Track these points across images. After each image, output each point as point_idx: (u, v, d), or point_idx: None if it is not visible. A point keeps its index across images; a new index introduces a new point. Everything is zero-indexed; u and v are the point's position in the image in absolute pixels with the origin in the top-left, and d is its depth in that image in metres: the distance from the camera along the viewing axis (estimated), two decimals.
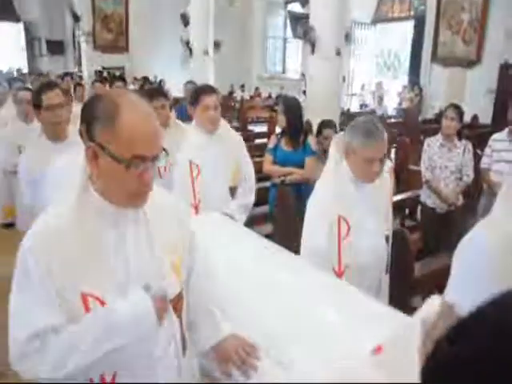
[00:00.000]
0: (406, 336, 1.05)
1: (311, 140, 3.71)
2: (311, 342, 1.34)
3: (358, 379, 1.12)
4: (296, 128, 3.66)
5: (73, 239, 1.10)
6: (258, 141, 7.25)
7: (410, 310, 2.20)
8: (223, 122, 2.90)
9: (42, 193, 2.11)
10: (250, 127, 9.31)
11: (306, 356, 1.30)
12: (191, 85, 5.86)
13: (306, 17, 8.45)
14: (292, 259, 1.92)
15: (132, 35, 15.00)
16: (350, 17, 11.07)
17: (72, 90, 7.51)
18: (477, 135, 6.75)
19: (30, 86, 5.99)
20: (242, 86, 16.89)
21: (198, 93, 2.79)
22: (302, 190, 3.63)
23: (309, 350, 1.31)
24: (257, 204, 3.03)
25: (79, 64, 16.80)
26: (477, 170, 4.07)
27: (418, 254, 2.97)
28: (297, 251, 2.08)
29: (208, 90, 2.81)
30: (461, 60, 10.78)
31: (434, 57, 11.42)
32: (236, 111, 11.19)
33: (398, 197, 4.17)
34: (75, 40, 18.27)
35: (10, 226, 4.13)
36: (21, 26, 19.96)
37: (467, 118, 7.23)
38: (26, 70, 19.14)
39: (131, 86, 10.43)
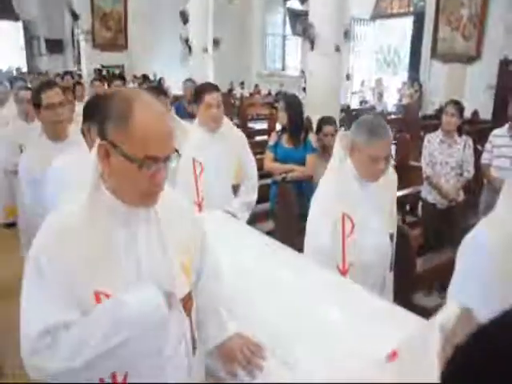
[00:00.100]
0: (424, 340, 1.05)
1: (312, 137, 3.71)
2: (316, 341, 1.34)
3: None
4: (297, 125, 3.67)
5: (85, 238, 1.10)
6: (258, 138, 7.25)
7: (412, 306, 2.22)
8: (226, 120, 2.90)
9: (42, 192, 2.11)
10: (250, 124, 9.30)
11: (311, 355, 1.30)
12: (190, 82, 5.86)
13: (305, 14, 8.43)
14: (295, 258, 1.92)
15: (131, 33, 14.98)
16: (349, 13, 11.06)
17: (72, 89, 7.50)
18: (477, 131, 6.75)
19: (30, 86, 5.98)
20: (242, 84, 16.88)
21: (201, 91, 2.79)
22: (303, 187, 3.64)
23: (314, 350, 1.31)
24: (258, 201, 3.04)
25: (78, 62, 16.78)
26: (477, 165, 4.07)
27: (418, 249, 2.97)
28: (299, 248, 2.08)
29: (210, 88, 2.81)
30: (460, 56, 10.76)
31: (434, 53, 11.41)
32: (236, 108, 11.17)
33: (399, 193, 4.17)
34: (74, 38, 18.25)
35: (11, 225, 4.14)
36: (20, 24, 19.94)
37: (467, 114, 7.22)
38: (25, 69, 19.13)
39: (131, 85, 10.41)
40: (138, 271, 1.16)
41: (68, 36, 20.03)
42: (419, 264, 2.84)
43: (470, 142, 3.93)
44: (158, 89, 3.79)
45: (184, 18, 13.50)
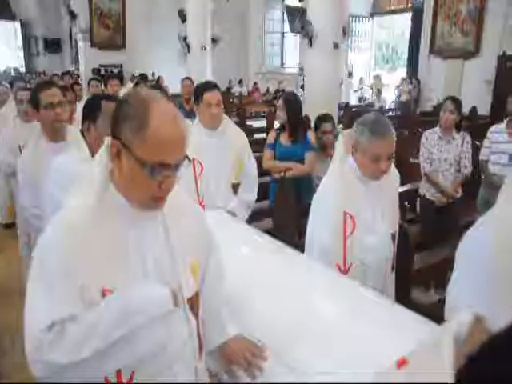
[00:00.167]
0: (437, 349, 1.03)
1: (311, 135, 3.71)
2: (317, 342, 1.33)
3: None
4: (296, 123, 3.67)
5: (92, 236, 1.10)
6: (256, 136, 7.26)
7: (409, 302, 2.23)
8: (226, 119, 2.91)
9: (41, 193, 2.12)
10: (249, 122, 9.30)
11: (312, 357, 1.29)
12: (188, 81, 5.86)
13: (303, 11, 8.41)
14: (296, 257, 1.90)
15: (129, 32, 14.92)
16: (347, 10, 11.01)
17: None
18: (475, 127, 6.75)
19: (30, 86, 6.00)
20: (240, 82, 16.87)
21: (201, 90, 2.79)
22: (302, 184, 3.64)
23: (315, 351, 1.30)
24: (257, 199, 3.04)
25: (76, 62, 16.74)
26: (475, 161, 4.07)
27: (417, 246, 2.98)
28: (298, 246, 2.09)
29: (210, 86, 2.81)
30: (459, 51, 10.76)
31: (432, 49, 11.40)
32: (234, 106, 11.17)
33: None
34: (72, 38, 18.20)
35: (10, 225, 4.16)
36: (17, 24, 19.90)
37: (465, 110, 7.22)
38: (23, 69, 19.11)
39: (129, 84, 10.39)
40: (146, 271, 1.16)
41: (66, 35, 19.98)
42: (417, 261, 2.85)
43: (468, 138, 3.94)
44: (156, 87, 3.79)
45: (182, 16, 13.47)
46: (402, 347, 1.22)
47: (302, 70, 13.09)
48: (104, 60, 14.45)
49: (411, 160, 5.06)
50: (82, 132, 2.08)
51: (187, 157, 1.15)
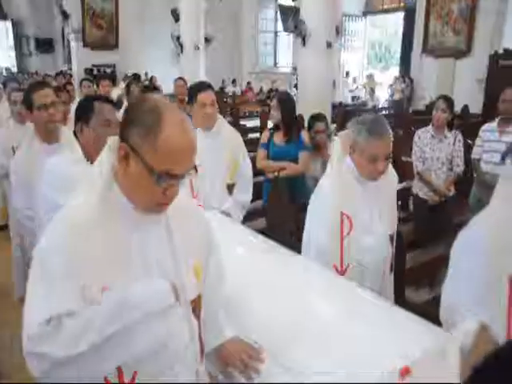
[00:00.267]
0: (442, 359, 1.02)
1: (304, 134, 3.72)
2: (314, 343, 1.33)
3: None
4: (290, 122, 3.67)
5: (96, 236, 1.10)
6: (250, 135, 7.26)
7: (402, 301, 2.24)
8: (221, 119, 2.90)
9: (34, 194, 2.11)
10: (243, 122, 9.31)
11: (309, 358, 1.29)
12: (181, 81, 5.85)
13: (296, 10, 8.41)
14: (292, 258, 1.89)
15: (122, 32, 14.86)
16: (340, 9, 11.04)
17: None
18: (467, 125, 6.79)
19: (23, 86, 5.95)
20: (234, 81, 16.86)
21: (195, 90, 2.78)
22: (296, 184, 3.65)
23: (312, 352, 1.30)
24: (251, 199, 3.05)
25: (69, 62, 16.66)
26: (468, 160, 4.10)
27: (410, 245, 3.00)
28: (291, 245, 2.09)
29: (204, 86, 2.80)
30: (451, 50, 10.82)
31: (425, 48, 11.46)
32: (228, 106, 11.17)
33: None
34: (64, 38, 18.11)
35: (6, 227, 4.14)
36: (9, 23, 19.78)
37: (457, 108, 7.26)
38: (14, 69, 18.99)
39: (122, 84, 10.36)
40: (148, 273, 1.16)
41: (58, 35, 19.89)
42: (409, 259, 2.86)
43: (460, 136, 3.96)
44: (152, 88, 3.77)
45: (175, 16, 13.44)
46: (399, 348, 1.23)
47: (295, 69, 13.12)
48: (97, 60, 14.39)
49: (404, 158, 5.08)
50: (74, 133, 2.07)
51: (195, 167, 1.14)
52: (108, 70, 14.49)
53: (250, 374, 1.31)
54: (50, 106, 2.55)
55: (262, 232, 2.52)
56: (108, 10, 14.65)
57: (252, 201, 3.12)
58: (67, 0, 14.26)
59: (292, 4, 11.16)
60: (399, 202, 4.70)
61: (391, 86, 13.15)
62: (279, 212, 3.52)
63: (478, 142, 4.06)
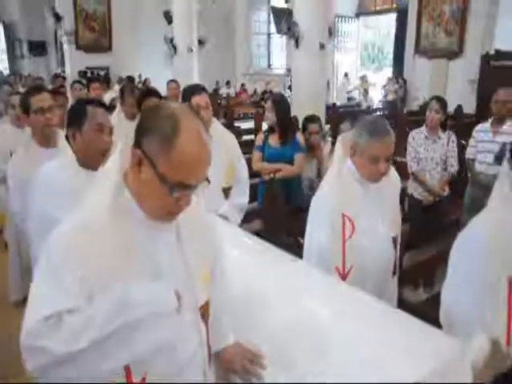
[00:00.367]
0: (453, 377, 1.01)
1: (299, 136, 3.73)
2: (316, 349, 1.32)
3: None
4: (285, 124, 3.67)
5: (105, 240, 1.08)
6: (245, 137, 7.27)
7: (399, 301, 2.25)
8: (215, 122, 2.90)
9: (30, 199, 2.10)
10: (237, 124, 9.31)
11: (311, 364, 1.28)
12: (173, 84, 5.83)
13: (289, 12, 8.44)
14: (291, 262, 1.85)
15: (115, 34, 14.83)
16: (333, 11, 11.09)
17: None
18: (461, 125, 6.83)
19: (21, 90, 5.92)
20: (228, 83, 16.87)
21: (189, 93, 2.76)
22: (292, 186, 3.66)
23: (314, 358, 1.29)
24: None
25: (62, 65, 16.59)
26: (462, 160, 4.13)
27: (405, 245, 3.01)
28: (288, 246, 2.08)
29: (198, 89, 2.78)
30: (443, 51, 10.90)
31: (417, 48, 11.53)
32: (222, 108, 11.17)
33: None
34: (57, 40, 18.03)
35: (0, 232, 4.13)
36: (0, 26, 19.67)
37: (451, 109, 7.31)
38: (7, 72, 18.87)
39: (116, 87, 10.33)
40: (157, 280, 1.14)
41: (51, 38, 19.79)
42: (405, 259, 2.87)
43: (454, 137, 3.99)
44: (151, 91, 3.74)
45: (168, 18, 13.44)
46: (399, 351, 1.24)
47: (289, 70, 13.15)
48: (90, 62, 14.36)
49: (398, 159, 5.10)
50: (67, 138, 2.04)
51: (207, 178, 1.13)
52: (102, 73, 14.46)
53: (250, 380, 1.30)
54: (47, 110, 2.54)
55: (258, 234, 2.52)
56: (100, 12, 14.62)
57: (248, 203, 3.12)
58: (59, 2, 14.22)
59: (284, 6, 11.19)
60: None
61: (384, 86, 13.21)
62: (274, 213, 3.53)
63: (471, 142, 4.09)
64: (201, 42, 14.13)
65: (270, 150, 3.71)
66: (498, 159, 3.82)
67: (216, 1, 16.47)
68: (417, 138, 4.00)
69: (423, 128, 4.00)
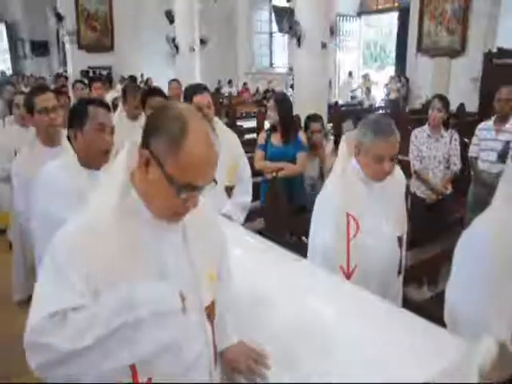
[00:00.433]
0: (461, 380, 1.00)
1: (302, 135, 3.73)
2: (320, 348, 1.31)
3: None
4: (288, 123, 3.67)
5: (111, 240, 1.08)
6: (247, 136, 7.27)
7: (403, 300, 2.24)
8: (218, 121, 2.89)
9: (33, 198, 2.11)
10: (239, 123, 9.32)
11: (316, 364, 1.27)
12: (175, 83, 5.83)
13: (291, 11, 8.43)
14: (296, 261, 1.84)
15: (117, 34, 14.86)
16: (335, 9, 11.09)
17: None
18: (464, 124, 6.82)
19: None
20: (230, 82, 16.87)
21: (190, 93, 2.76)
22: (294, 185, 3.66)
23: (319, 358, 1.28)
24: None
25: (64, 65, 16.62)
26: (465, 158, 4.12)
27: (408, 243, 3.01)
28: (290, 245, 2.08)
29: (200, 89, 2.78)
30: (445, 50, 10.88)
31: (419, 47, 11.52)
32: (224, 107, 11.18)
33: None
34: (59, 40, 18.05)
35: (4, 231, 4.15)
36: (3, 26, 19.71)
37: (453, 107, 7.29)
38: (10, 72, 18.91)
39: (118, 86, 10.34)
40: (164, 278, 1.14)
41: (53, 38, 19.83)
42: (408, 258, 2.86)
43: (456, 135, 3.99)
44: (155, 90, 3.72)
45: (170, 17, 13.44)
46: (404, 350, 1.23)
47: (291, 69, 13.14)
48: (92, 62, 14.39)
49: (400, 157, 5.09)
50: (68, 138, 2.04)
51: (215, 180, 1.13)
52: (104, 73, 14.47)
53: (255, 380, 1.30)
54: (51, 110, 2.54)
55: (260, 232, 2.52)
56: (102, 12, 14.64)
57: (250, 201, 3.12)
58: (61, 2, 14.24)
59: (286, 5, 11.18)
60: None
61: (387, 85, 13.19)
62: (277, 212, 3.52)
63: (474, 140, 4.09)
64: (203, 42, 14.13)
65: (272, 148, 3.71)
66: (501, 157, 3.82)
67: (218, 0, 16.46)
68: (419, 136, 4.00)
69: (426, 126, 4.00)
